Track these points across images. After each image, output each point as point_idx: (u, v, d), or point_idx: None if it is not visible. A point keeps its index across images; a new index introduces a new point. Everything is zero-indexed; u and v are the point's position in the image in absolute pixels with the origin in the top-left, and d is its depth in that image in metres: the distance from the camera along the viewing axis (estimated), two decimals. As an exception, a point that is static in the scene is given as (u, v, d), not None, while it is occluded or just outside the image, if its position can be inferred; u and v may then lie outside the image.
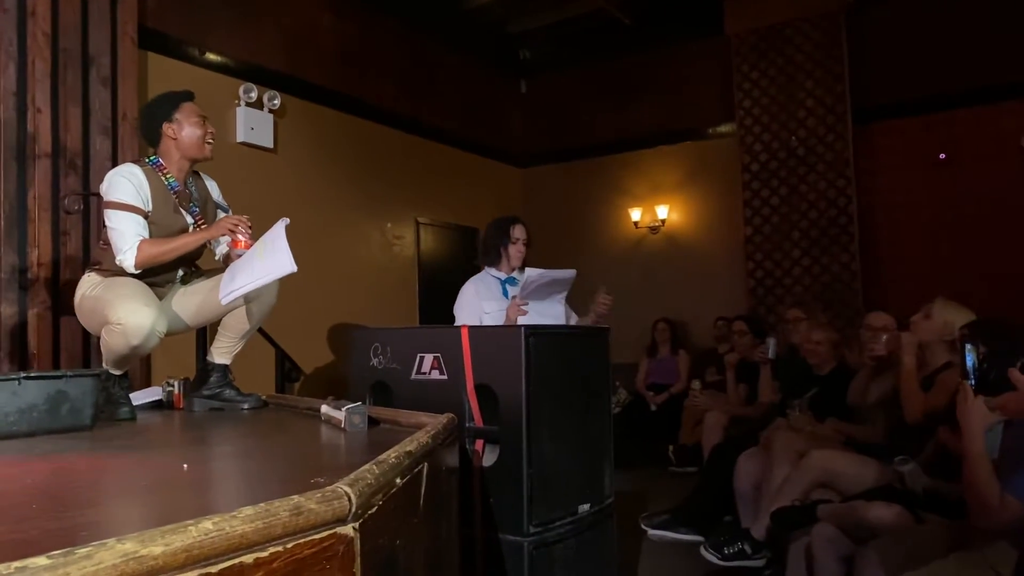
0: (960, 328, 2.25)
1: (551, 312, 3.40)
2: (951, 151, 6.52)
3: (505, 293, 3.51)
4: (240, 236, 2.55)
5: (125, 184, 2.55)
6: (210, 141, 2.70)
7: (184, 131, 2.65)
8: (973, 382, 2.13)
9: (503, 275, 3.59)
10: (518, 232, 3.59)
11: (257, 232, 2.59)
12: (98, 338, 2.59)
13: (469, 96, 8.11)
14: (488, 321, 3.41)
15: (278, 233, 2.46)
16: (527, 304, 3.28)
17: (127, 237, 2.51)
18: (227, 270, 2.59)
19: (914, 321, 3.19)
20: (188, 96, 2.73)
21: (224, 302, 2.53)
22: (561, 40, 8.07)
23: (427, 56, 7.53)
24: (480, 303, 3.46)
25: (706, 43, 7.53)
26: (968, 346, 2.15)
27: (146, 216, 2.57)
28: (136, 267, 2.52)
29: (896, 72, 6.72)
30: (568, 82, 8.58)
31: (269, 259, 2.42)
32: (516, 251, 3.58)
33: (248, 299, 2.66)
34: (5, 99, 3.99)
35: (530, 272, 3.27)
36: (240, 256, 2.56)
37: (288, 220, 2.51)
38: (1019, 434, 2.09)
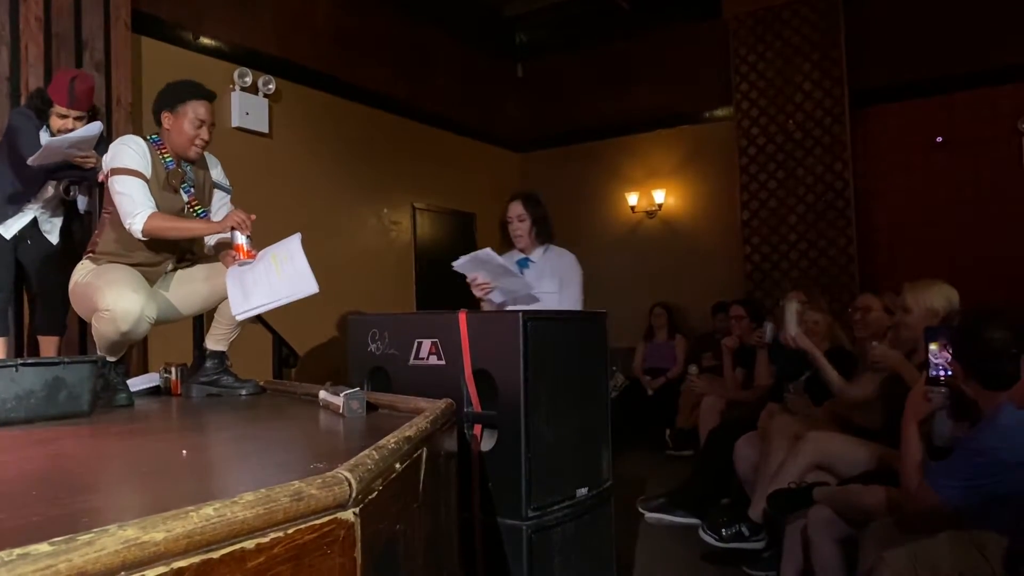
0: (926, 330, 2.34)
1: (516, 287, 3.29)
2: (948, 134, 6.52)
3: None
4: (241, 240, 2.54)
5: (130, 152, 2.58)
6: (198, 145, 2.67)
7: (176, 126, 2.65)
8: (935, 373, 2.19)
9: (517, 256, 3.47)
10: (509, 210, 3.45)
11: (258, 229, 2.58)
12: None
13: (465, 80, 8.07)
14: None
15: (296, 250, 2.46)
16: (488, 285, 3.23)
17: (138, 202, 2.53)
18: (231, 277, 2.56)
19: (898, 321, 3.19)
20: (201, 95, 2.69)
21: (239, 319, 2.55)
22: (557, 23, 8.03)
23: (423, 40, 7.48)
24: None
25: (704, 26, 7.50)
26: (932, 340, 2.22)
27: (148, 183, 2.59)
28: (144, 233, 2.53)
29: (894, 55, 6.70)
30: (565, 66, 8.53)
31: (289, 279, 2.43)
32: (511, 231, 3.45)
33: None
34: (-2, 84, 3.96)
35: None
36: (244, 265, 2.54)
37: (300, 235, 2.52)
38: (981, 430, 2.10)
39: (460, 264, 3.21)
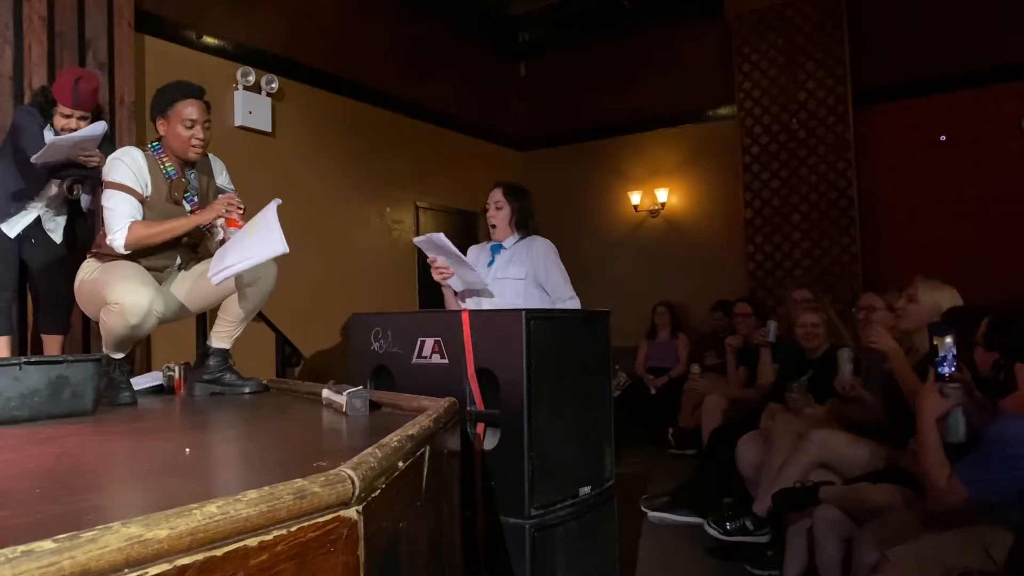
0: (931, 326, 2.32)
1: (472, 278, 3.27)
2: (952, 133, 6.50)
3: (490, 262, 3.40)
4: (234, 215, 2.54)
5: (123, 167, 2.56)
6: (195, 145, 2.64)
7: (171, 131, 2.64)
8: (943, 370, 2.18)
9: (491, 242, 3.46)
10: (489, 197, 3.43)
11: (250, 215, 2.58)
12: (98, 323, 2.60)
13: (469, 79, 8.07)
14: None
15: (270, 213, 2.45)
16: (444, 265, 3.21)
17: (119, 217, 2.52)
18: (219, 250, 2.58)
19: (900, 307, 3.18)
20: (189, 93, 2.65)
21: (215, 282, 2.50)
22: (561, 22, 8.02)
23: (426, 39, 7.48)
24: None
25: (706, 25, 7.49)
26: (946, 335, 2.20)
27: (143, 201, 2.57)
28: (125, 247, 2.52)
29: (897, 53, 6.69)
30: (568, 65, 8.53)
31: (261, 239, 2.41)
32: (487, 217, 3.42)
33: (247, 283, 2.66)
34: (2, 83, 3.97)
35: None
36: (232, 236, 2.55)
37: (280, 200, 2.50)
38: (1002, 423, 2.09)
39: (419, 241, 3.22)
